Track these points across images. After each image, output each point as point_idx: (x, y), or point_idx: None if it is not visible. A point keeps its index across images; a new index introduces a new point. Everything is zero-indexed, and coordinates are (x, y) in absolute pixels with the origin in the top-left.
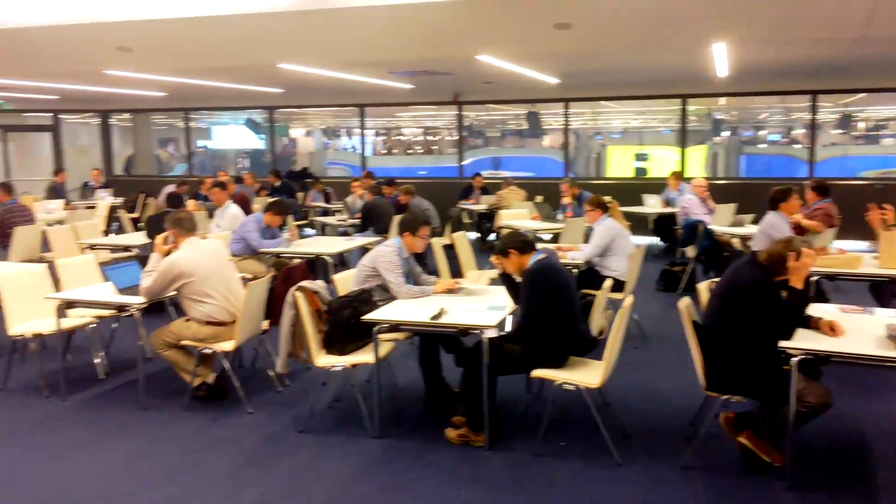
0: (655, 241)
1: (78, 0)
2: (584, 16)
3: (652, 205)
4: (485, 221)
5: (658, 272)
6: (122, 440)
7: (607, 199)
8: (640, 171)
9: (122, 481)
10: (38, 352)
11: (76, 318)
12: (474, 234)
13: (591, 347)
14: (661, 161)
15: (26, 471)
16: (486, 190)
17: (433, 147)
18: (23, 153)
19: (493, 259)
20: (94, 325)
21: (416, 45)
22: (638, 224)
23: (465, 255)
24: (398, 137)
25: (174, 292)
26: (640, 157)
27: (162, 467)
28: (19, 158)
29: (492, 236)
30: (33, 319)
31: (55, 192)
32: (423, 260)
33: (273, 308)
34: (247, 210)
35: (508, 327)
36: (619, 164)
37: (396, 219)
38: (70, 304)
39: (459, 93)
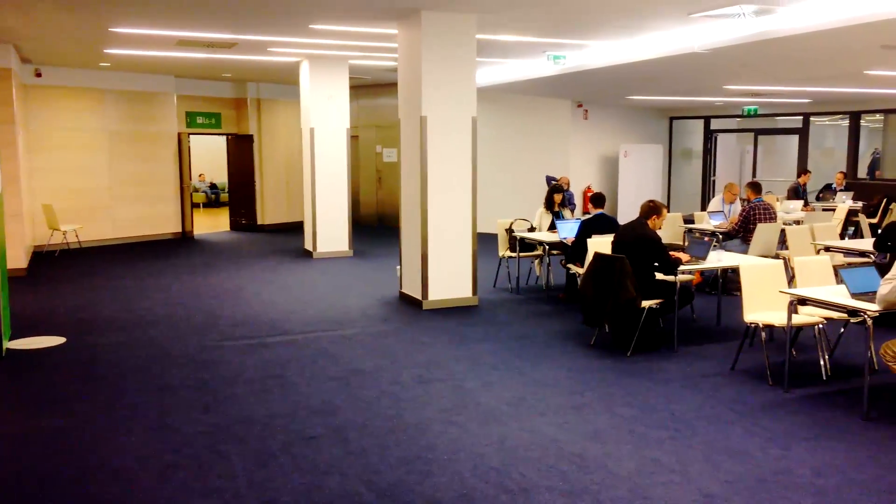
0: None
1: (844, 1)
2: None
3: None
4: None
5: None
6: (841, 444)
7: None
8: None
9: (835, 483)
10: (766, 341)
11: (805, 315)
12: None
13: None
14: None
15: (748, 448)
16: None
17: None
18: (769, 154)
19: None
20: (822, 325)
21: None
22: None
23: None
24: None
25: None
26: None
27: (879, 483)
28: (765, 159)
29: None
30: (766, 311)
31: (796, 192)
32: None
33: None
34: None
35: None
36: None
37: None
38: (802, 302)
39: None
